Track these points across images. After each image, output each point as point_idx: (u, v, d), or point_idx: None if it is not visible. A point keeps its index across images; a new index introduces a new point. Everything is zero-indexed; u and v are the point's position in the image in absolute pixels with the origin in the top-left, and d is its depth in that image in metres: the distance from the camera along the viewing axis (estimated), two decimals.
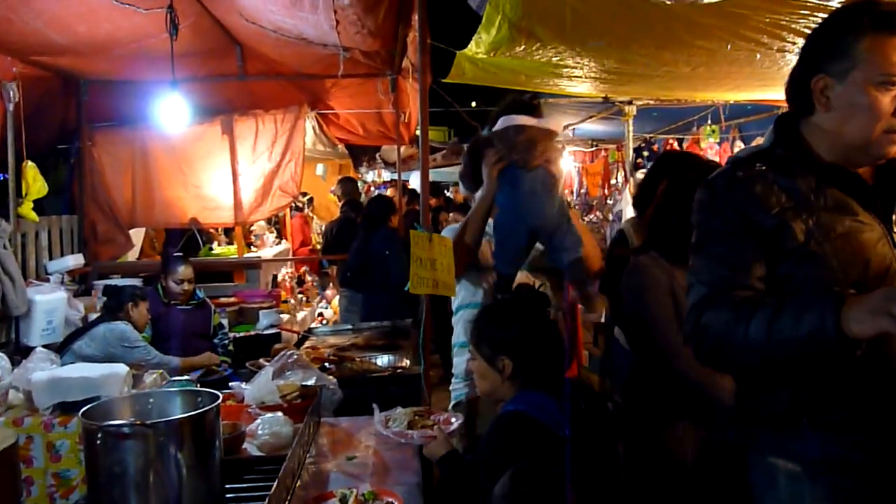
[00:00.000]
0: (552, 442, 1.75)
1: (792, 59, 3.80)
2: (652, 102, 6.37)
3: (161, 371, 3.26)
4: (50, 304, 4.42)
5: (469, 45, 3.81)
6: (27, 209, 4.84)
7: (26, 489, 2.75)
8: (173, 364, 4.03)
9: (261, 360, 3.45)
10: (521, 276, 2.58)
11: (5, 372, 2.98)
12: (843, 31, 1.48)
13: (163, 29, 3.85)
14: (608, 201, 8.87)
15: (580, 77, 4.75)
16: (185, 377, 3.60)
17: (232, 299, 5.87)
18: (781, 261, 1.49)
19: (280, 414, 2.35)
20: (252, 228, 7.46)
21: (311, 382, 2.65)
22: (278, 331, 5.41)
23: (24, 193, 4.79)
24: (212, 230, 7.29)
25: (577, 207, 9.72)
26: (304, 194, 8.96)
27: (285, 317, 5.95)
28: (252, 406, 2.52)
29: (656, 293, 2.14)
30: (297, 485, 2.04)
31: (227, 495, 1.77)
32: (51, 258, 5.33)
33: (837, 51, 1.47)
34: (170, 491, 1.59)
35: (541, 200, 2.48)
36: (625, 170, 7.26)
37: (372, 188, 12.17)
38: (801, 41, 3.35)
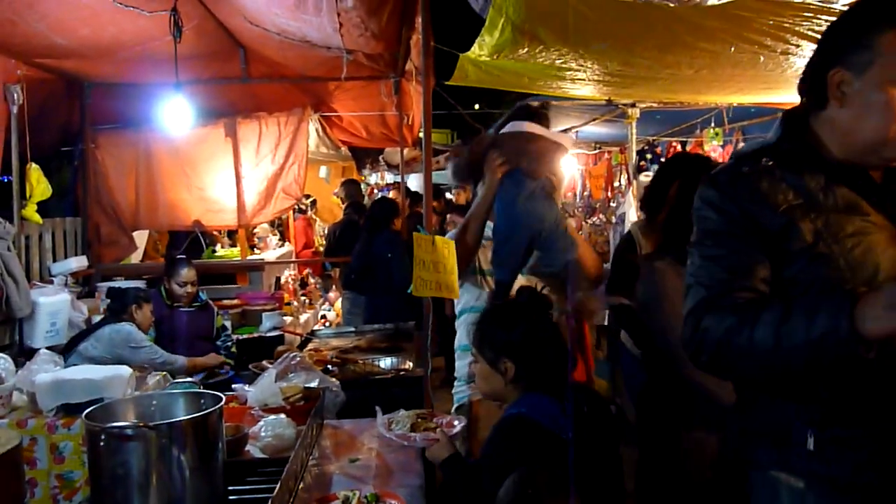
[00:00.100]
0: (555, 445, 1.75)
1: (796, 62, 3.79)
2: (655, 105, 6.35)
3: (164, 373, 3.26)
4: (53, 306, 4.42)
5: (472, 48, 3.80)
6: (31, 211, 4.84)
7: (30, 491, 2.75)
8: (179, 363, 4.04)
9: (264, 363, 3.46)
10: (521, 281, 2.58)
11: (9, 374, 2.98)
12: (865, 23, 1.40)
13: (166, 31, 3.86)
14: (611, 204, 8.86)
15: (583, 80, 4.74)
16: (189, 379, 3.61)
17: (235, 301, 5.89)
18: (787, 262, 1.41)
19: (283, 416, 2.35)
20: (255, 231, 7.45)
21: (314, 385, 2.65)
22: (281, 333, 5.42)
23: (27, 195, 4.79)
24: (215, 232, 7.30)
25: (580, 210, 9.71)
26: (308, 197, 8.96)
27: (288, 319, 5.96)
28: (255, 408, 2.52)
29: (674, 300, 2.06)
30: (300, 487, 2.05)
31: (230, 497, 1.77)
32: (54, 260, 5.34)
33: (857, 43, 1.39)
34: (173, 493, 1.60)
35: (541, 207, 2.49)
36: (628, 172, 7.24)
37: (375, 190, 12.17)
38: (804, 44, 3.35)
